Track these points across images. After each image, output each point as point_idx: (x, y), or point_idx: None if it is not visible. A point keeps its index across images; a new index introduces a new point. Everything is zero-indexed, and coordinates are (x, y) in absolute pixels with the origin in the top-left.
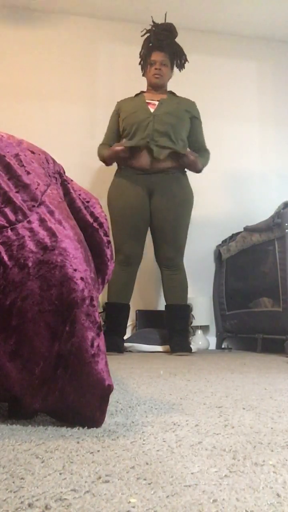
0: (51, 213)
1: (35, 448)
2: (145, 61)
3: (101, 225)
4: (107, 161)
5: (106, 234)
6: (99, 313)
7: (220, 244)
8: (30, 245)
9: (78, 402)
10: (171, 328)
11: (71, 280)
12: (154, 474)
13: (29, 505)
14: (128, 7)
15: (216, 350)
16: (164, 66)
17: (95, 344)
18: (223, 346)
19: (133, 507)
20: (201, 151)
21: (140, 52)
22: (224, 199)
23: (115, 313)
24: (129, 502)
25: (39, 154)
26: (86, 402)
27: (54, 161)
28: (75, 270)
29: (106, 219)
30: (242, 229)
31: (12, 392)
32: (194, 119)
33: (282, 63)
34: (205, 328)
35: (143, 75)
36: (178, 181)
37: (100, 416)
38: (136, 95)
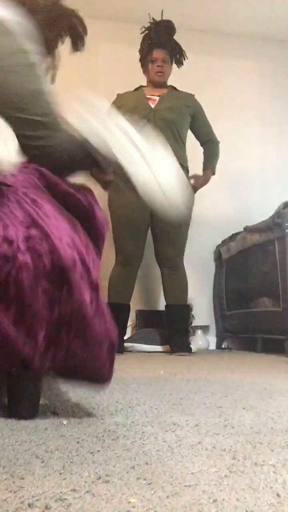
0: (25, 194)
1: (35, 448)
2: (145, 59)
3: (84, 194)
4: None
5: (90, 203)
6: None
7: (220, 244)
8: (14, 225)
9: (86, 357)
10: (171, 328)
11: (60, 248)
12: (154, 474)
13: (29, 505)
14: (128, 7)
15: (216, 350)
16: (165, 63)
17: (94, 303)
18: (223, 346)
19: (133, 507)
20: (210, 145)
21: (140, 49)
22: (224, 199)
23: (115, 313)
24: (129, 502)
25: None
26: (94, 356)
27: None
28: (60, 239)
29: (91, 191)
30: (242, 229)
31: (22, 355)
32: (197, 112)
33: (282, 63)
34: (205, 328)
35: (144, 72)
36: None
37: (109, 368)
38: (136, 89)
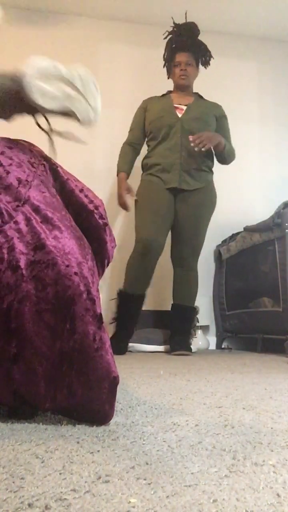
0: (36, 210)
1: (35, 448)
2: (169, 64)
3: (96, 207)
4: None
5: (102, 217)
6: (111, 299)
7: (220, 244)
8: (20, 246)
9: (86, 397)
10: (173, 328)
11: (65, 277)
12: (154, 474)
13: (29, 505)
14: (128, 7)
15: (216, 350)
16: (190, 66)
17: (97, 337)
18: (223, 346)
19: (133, 507)
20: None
21: (164, 55)
22: (224, 199)
23: (128, 303)
24: (129, 502)
25: (17, 147)
26: (94, 396)
27: (39, 148)
28: (67, 266)
29: (102, 203)
30: (242, 229)
31: (20, 395)
32: (221, 119)
33: (282, 63)
34: (205, 328)
35: (168, 77)
36: (205, 183)
37: (109, 409)
38: (163, 95)
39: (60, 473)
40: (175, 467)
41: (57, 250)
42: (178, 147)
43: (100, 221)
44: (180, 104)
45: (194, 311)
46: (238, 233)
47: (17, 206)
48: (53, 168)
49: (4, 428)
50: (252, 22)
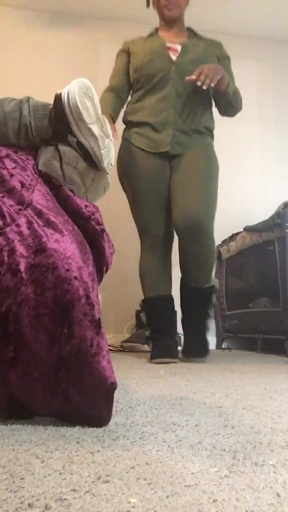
0: (39, 214)
1: (35, 448)
2: None
3: (92, 213)
4: None
5: (98, 223)
6: (139, 312)
7: (220, 244)
8: (21, 249)
9: (83, 403)
10: (185, 322)
11: (65, 281)
12: (154, 474)
13: (29, 505)
14: (128, 7)
15: (216, 350)
16: None
17: (95, 343)
18: (223, 346)
19: (133, 507)
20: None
21: None
22: (224, 199)
23: (157, 308)
24: (129, 502)
25: (23, 151)
26: (91, 402)
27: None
28: (67, 270)
29: (97, 210)
30: (242, 229)
31: (16, 399)
32: (223, 60)
33: (282, 63)
34: None
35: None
36: (203, 145)
37: (106, 415)
38: (150, 35)
39: (60, 473)
40: (175, 467)
41: (58, 254)
42: (173, 99)
43: (97, 227)
44: (173, 44)
45: (211, 291)
46: (238, 233)
47: (20, 209)
48: (47, 175)
49: (4, 428)
50: (252, 22)
